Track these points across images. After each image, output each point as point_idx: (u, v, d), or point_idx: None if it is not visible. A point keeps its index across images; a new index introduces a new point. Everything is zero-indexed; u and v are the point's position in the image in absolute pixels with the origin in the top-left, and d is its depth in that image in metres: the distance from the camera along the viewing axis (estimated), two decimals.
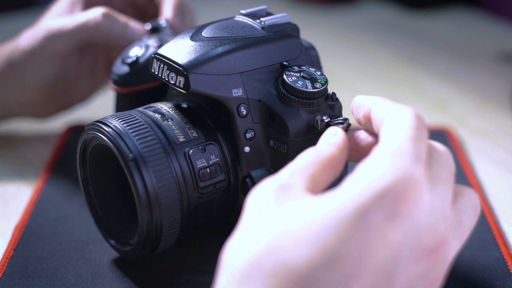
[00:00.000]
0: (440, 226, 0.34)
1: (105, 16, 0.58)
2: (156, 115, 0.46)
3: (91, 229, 0.53)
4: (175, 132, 0.45)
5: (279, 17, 0.48)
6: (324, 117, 0.44)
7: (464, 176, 0.61)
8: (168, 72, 0.45)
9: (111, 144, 0.44)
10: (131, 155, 0.43)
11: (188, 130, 0.46)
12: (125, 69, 0.54)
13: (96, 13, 0.58)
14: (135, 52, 0.54)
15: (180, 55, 0.45)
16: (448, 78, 0.83)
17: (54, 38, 0.59)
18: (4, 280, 0.47)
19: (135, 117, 0.46)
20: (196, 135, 0.46)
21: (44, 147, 0.65)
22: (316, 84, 0.45)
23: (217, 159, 0.46)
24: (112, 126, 0.45)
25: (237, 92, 0.45)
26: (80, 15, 0.59)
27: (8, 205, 0.57)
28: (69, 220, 0.54)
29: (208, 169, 0.45)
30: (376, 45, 0.94)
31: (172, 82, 0.45)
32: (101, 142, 0.45)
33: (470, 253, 0.50)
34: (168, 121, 0.46)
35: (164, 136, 0.45)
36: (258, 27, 0.48)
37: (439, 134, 0.68)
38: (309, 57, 0.49)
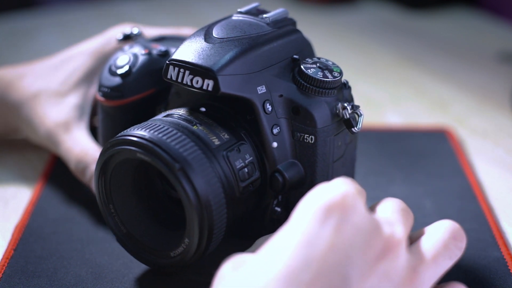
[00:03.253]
0: (385, 229, 0.38)
1: None
2: (182, 121, 0.45)
3: (91, 229, 0.53)
4: (208, 136, 0.45)
5: (279, 12, 0.49)
6: (346, 104, 0.46)
7: (464, 176, 0.61)
8: (192, 76, 0.45)
9: (152, 156, 0.42)
10: (177, 165, 0.42)
11: (219, 133, 0.45)
12: (117, 80, 0.52)
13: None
14: (123, 61, 0.53)
15: (203, 58, 0.45)
16: (448, 78, 0.83)
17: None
18: (4, 280, 0.47)
19: (164, 126, 0.44)
20: (228, 137, 0.45)
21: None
22: (334, 74, 0.47)
23: (251, 157, 0.46)
24: (147, 138, 0.43)
25: (261, 90, 0.46)
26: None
27: (8, 205, 0.57)
28: (69, 220, 0.54)
29: (246, 169, 0.45)
30: (376, 45, 0.94)
31: (198, 87, 0.45)
32: (130, 156, 0.44)
33: (470, 253, 0.50)
34: (197, 126, 0.45)
35: (200, 141, 0.44)
36: (264, 24, 0.48)
37: (439, 134, 0.68)
38: (310, 48, 0.50)
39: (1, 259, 0.49)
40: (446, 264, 0.40)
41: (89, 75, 0.60)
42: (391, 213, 0.41)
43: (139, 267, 0.48)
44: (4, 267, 0.48)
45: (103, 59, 0.59)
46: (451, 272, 0.42)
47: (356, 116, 0.47)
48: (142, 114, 0.52)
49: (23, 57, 0.86)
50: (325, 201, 0.37)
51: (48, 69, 0.61)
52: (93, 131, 0.59)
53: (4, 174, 0.62)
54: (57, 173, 0.60)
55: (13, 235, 0.52)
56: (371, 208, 0.42)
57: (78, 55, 0.60)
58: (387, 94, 0.79)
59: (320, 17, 1.04)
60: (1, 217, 0.56)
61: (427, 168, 0.62)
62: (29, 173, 0.62)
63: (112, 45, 0.60)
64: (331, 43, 0.94)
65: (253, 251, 0.41)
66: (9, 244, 0.51)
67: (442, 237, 0.41)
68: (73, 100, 0.59)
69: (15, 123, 0.61)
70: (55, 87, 0.59)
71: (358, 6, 1.08)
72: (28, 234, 0.52)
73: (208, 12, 1.06)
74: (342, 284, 0.35)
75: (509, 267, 0.49)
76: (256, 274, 0.36)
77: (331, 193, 0.38)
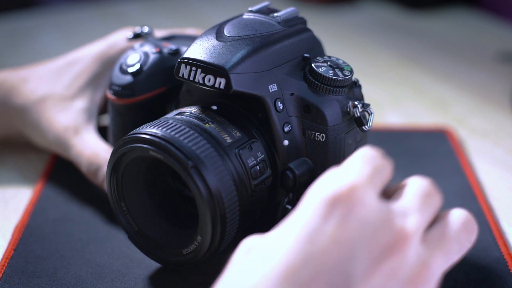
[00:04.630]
0: (396, 221, 0.36)
1: None
2: (194, 119, 0.45)
3: (91, 229, 0.53)
4: (220, 134, 0.45)
5: (289, 11, 0.49)
6: (356, 102, 0.46)
7: (464, 176, 0.61)
8: (204, 75, 0.45)
9: (165, 153, 0.43)
10: (190, 162, 0.42)
11: (231, 131, 0.46)
12: (128, 78, 0.53)
13: None
14: (134, 59, 0.53)
15: (215, 57, 0.45)
16: (448, 78, 0.83)
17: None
18: (4, 280, 0.47)
19: (176, 124, 0.44)
20: (240, 135, 0.46)
21: None
22: (345, 72, 0.47)
23: (263, 155, 0.46)
24: (160, 136, 0.43)
25: (273, 88, 0.46)
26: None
27: (8, 205, 0.57)
28: (69, 220, 0.54)
29: (257, 167, 0.45)
30: (376, 45, 0.94)
31: (210, 85, 0.45)
32: (143, 154, 0.44)
33: (470, 253, 0.49)
34: (209, 124, 0.45)
35: (212, 139, 0.44)
36: (275, 23, 0.48)
37: (439, 134, 0.68)
38: (320, 47, 0.50)
39: (1, 259, 0.49)
40: (454, 258, 0.38)
41: (94, 79, 0.59)
42: (411, 198, 0.38)
43: (139, 267, 0.49)
44: (4, 267, 0.48)
45: (107, 63, 0.59)
46: (451, 272, 0.42)
47: (367, 114, 0.47)
48: (153, 112, 0.52)
49: (23, 57, 0.86)
50: (331, 193, 0.35)
51: (52, 73, 0.60)
52: (102, 131, 0.59)
53: (4, 174, 0.62)
54: (57, 173, 0.60)
55: (13, 235, 0.52)
56: (395, 189, 0.40)
57: (82, 59, 0.60)
58: (387, 94, 0.79)
59: (320, 17, 1.04)
60: (1, 217, 0.56)
61: (427, 168, 0.62)
62: (29, 173, 0.62)
63: (116, 48, 0.59)
64: (331, 43, 0.93)
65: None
66: (9, 244, 0.51)
67: (456, 229, 0.39)
68: (80, 104, 0.59)
69: (18, 127, 0.61)
70: (61, 92, 0.59)
71: (358, 6, 1.08)
72: (28, 234, 0.52)
73: (208, 12, 1.06)
74: (344, 282, 0.34)
75: (509, 267, 0.49)
76: (251, 271, 0.34)
77: (339, 183, 0.36)
